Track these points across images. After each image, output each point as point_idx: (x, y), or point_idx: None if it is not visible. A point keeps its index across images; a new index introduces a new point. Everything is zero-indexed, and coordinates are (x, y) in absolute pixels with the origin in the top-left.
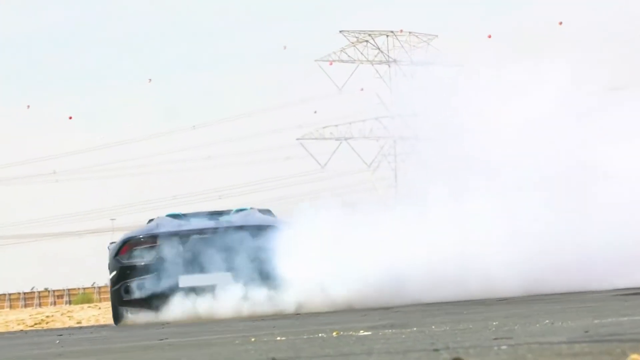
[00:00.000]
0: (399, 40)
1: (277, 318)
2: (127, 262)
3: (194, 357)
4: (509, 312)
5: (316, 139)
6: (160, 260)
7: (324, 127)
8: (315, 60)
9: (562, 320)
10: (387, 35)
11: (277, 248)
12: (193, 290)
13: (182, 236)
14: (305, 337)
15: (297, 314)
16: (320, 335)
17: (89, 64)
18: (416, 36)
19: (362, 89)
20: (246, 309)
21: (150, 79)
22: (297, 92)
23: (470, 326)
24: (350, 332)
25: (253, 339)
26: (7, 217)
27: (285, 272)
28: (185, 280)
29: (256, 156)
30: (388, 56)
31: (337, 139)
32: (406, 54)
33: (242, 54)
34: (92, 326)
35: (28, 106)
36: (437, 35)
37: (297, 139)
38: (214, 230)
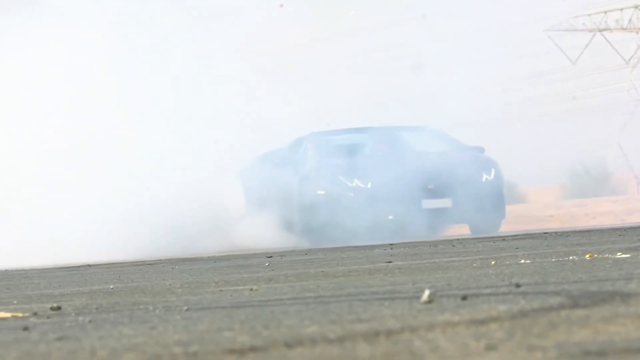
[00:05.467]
0: None
1: (521, 237)
2: None
3: (427, 282)
4: None
5: (566, 30)
6: None
7: (575, 17)
8: None
9: None
10: None
11: None
12: None
13: None
14: (553, 259)
15: (545, 232)
16: (571, 257)
17: None
18: None
19: None
20: None
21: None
22: None
23: None
24: (606, 255)
25: (493, 262)
26: None
27: None
28: None
29: (497, 50)
30: None
31: (590, 31)
32: None
33: None
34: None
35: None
36: None
37: (544, 31)
38: None
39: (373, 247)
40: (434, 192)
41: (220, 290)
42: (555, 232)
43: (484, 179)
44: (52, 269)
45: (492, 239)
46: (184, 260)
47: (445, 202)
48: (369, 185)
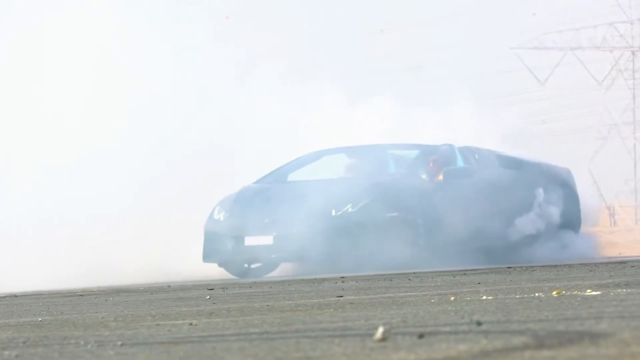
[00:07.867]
0: None
1: (483, 272)
2: None
3: (381, 318)
4: None
5: (535, 48)
6: None
7: (544, 34)
8: None
9: None
10: None
11: None
12: None
13: None
14: (517, 296)
15: (509, 267)
16: (537, 294)
17: None
18: None
19: None
20: None
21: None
22: None
23: None
24: (575, 292)
25: (453, 298)
26: None
27: None
28: None
29: (460, 69)
30: None
31: (560, 49)
32: None
33: None
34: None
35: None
36: None
37: (512, 48)
38: None
39: (323, 279)
40: (257, 229)
41: (157, 325)
42: (520, 267)
43: (341, 212)
44: None
45: (451, 272)
46: (118, 292)
47: (266, 239)
48: (222, 217)
